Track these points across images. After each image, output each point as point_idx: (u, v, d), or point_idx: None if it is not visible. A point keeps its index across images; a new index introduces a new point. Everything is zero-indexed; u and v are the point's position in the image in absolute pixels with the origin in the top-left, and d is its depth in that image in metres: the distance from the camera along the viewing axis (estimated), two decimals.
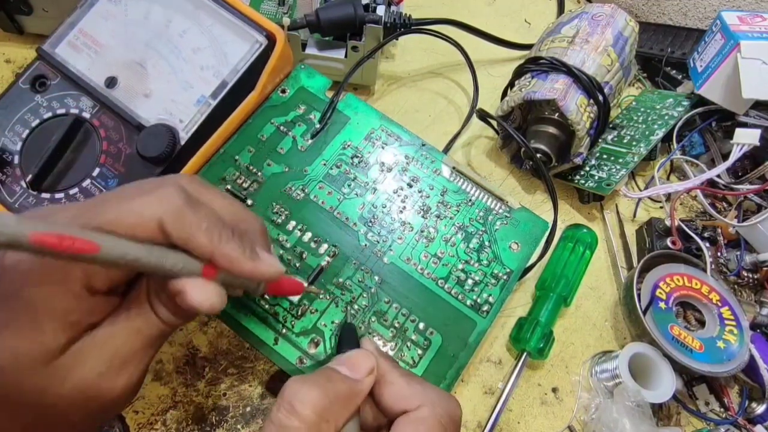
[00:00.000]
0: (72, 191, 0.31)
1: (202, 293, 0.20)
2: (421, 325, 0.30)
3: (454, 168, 0.35)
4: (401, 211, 0.33)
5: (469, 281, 0.32)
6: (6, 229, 0.15)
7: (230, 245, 0.20)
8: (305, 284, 0.28)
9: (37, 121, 0.32)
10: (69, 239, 0.16)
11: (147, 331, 0.21)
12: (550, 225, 0.35)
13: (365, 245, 0.32)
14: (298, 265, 0.31)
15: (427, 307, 0.31)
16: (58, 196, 0.31)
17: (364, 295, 0.31)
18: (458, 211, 0.34)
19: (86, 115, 0.32)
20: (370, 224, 0.33)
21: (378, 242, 0.32)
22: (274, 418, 0.19)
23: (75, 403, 0.20)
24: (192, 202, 0.20)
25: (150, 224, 0.18)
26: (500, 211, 0.34)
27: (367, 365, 0.22)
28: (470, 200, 0.34)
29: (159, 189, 0.20)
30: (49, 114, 0.32)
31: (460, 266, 0.32)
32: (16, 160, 0.32)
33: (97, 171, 0.32)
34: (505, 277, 0.32)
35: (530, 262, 0.35)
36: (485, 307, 0.31)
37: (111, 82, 0.33)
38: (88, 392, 0.20)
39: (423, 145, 0.36)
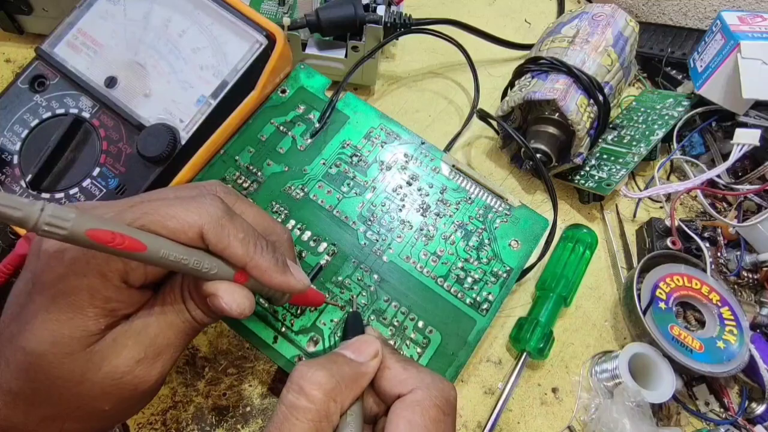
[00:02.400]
0: (72, 191, 0.31)
1: (233, 298, 0.21)
2: (421, 324, 0.30)
3: (453, 166, 0.35)
4: (400, 210, 0.33)
5: (469, 279, 0.32)
6: (66, 224, 0.16)
7: (264, 257, 0.21)
8: (327, 297, 0.29)
9: (36, 121, 0.32)
10: (120, 237, 0.17)
11: (180, 325, 0.22)
12: (550, 224, 0.35)
13: (364, 244, 0.32)
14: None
15: (426, 305, 0.31)
16: (58, 195, 0.31)
17: (364, 294, 0.31)
18: (458, 209, 0.34)
19: (86, 114, 0.32)
20: (370, 223, 0.33)
21: (377, 241, 0.32)
22: (285, 400, 0.20)
23: (109, 391, 0.20)
24: (230, 213, 0.21)
25: (191, 231, 0.20)
26: (500, 209, 0.34)
27: (371, 349, 0.22)
28: (470, 198, 0.34)
29: (200, 198, 0.21)
30: (49, 114, 0.32)
31: (460, 264, 0.32)
32: (15, 160, 0.32)
33: (97, 171, 0.32)
34: (504, 275, 0.32)
35: (530, 262, 0.35)
36: (485, 306, 0.31)
37: (111, 81, 0.33)
38: (123, 379, 0.20)
39: (422, 143, 0.36)
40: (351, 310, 0.30)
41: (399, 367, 0.22)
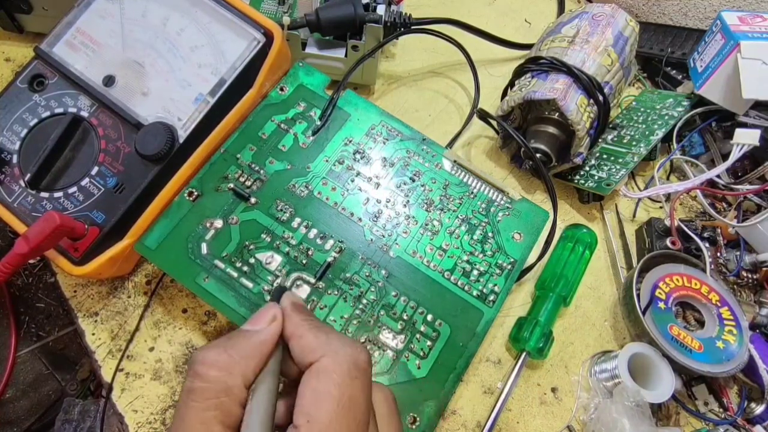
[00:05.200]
0: (71, 190, 0.31)
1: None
2: (430, 317, 0.31)
3: (455, 161, 0.35)
4: (405, 205, 0.34)
5: (475, 272, 0.32)
6: None
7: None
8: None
9: (36, 121, 0.32)
10: None
11: None
12: (550, 225, 0.35)
13: (371, 240, 0.32)
14: (305, 262, 0.31)
15: (434, 298, 0.31)
16: (56, 195, 0.31)
17: (372, 290, 0.31)
18: (461, 204, 0.34)
19: (84, 114, 0.32)
20: (375, 219, 0.33)
21: (383, 236, 0.32)
22: (184, 387, 0.19)
23: None
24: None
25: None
26: (502, 202, 0.35)
27: (267, 315, 0.22)
28: (472, 192, 0.35)
29: None
30: (47, 113, 0.32)
31: (465, 258, 0.33)
32: (15, 159, 0.32)
33: (95, 170, 0.32)
34: (509, 266, 0.33)
35: (530, 261, 0.35)
36: (491, 297, 0.32)
37: (109, 80, 0.33)
38: None
39: (423, 139, 0.36)
40: (279, 285, 0.30)
41: (311, 336, 0.21)
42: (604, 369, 0.35)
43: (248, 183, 0.33)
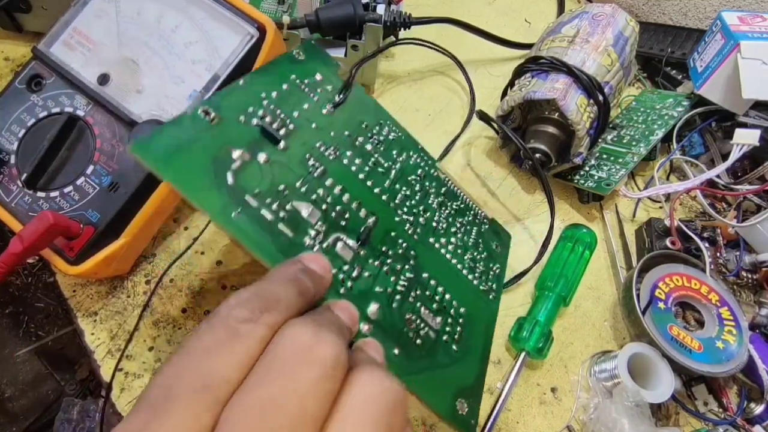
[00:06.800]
0: (67, 189, 0.31)
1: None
2: (455, 302, 0.31)
3: (444, 177, 0.36)
4: (417, 196, 0.34)
5: (475, 272, 0.33)
6: None
7: None
8: None
9: (33, 121, 0.32)
10: None
11: None
12: (549, 226, 0.35)
13: (398, 220, 0.30)
14: (343, 223, 0.27)
15: (454, 282, 0.32)
16: (53, 194, 0.31)
17: (408, 266, 0.29)
18: (457, 210, 0.35)
19: (80, 113, 0.32)
20: (398, 202, 0.31)
21: (408, 219, 0.31)
22: None
23: None
24: None
25: None
26: (482, 217, 0.37)
27: None
28: (463, 203, 0.36)
29: None
30: (45, 113, 0.32)
31: (468, 255, 0.34)
32: (13, 159, 0.32)
33: (90, 168, 0.31)
34: (497, 270, 0.35)
35: (530, 262, 0.35)
36: (491, 295, 0.33)
37: (103, 79, 0.32)
38: None
39: (419, 147, 0.36)
40: None
41: None
42: (603, 369, 0.35)
43: (275, 125, 0.27)
